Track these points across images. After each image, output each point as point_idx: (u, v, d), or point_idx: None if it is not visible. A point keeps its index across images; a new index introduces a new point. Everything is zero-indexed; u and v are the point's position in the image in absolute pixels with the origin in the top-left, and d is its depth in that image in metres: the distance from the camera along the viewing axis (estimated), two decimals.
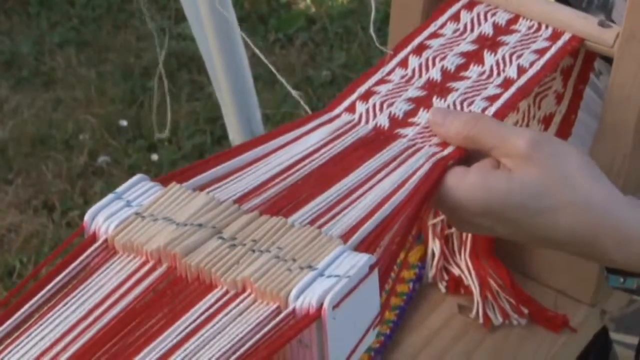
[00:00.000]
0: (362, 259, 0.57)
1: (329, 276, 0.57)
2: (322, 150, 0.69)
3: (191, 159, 1.98)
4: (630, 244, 0.65)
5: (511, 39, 0.76)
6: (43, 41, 2.26)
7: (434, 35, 0.77)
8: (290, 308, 0.56)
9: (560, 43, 0.76)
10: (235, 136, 1.75)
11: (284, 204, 0.63)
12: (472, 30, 0.77)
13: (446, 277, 0.83)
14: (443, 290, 0.83)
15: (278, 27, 2.29)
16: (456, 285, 0.83)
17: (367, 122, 0.71)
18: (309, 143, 0.69)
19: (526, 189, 0.64)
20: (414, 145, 0.69)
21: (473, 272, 0.82)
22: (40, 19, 2.33)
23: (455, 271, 0.83)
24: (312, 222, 0.61)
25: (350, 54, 2.21)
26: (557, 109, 0.81)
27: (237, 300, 0.57)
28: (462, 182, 0.65)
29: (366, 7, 2.36)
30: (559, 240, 0.65)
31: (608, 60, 0.76)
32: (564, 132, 0.81)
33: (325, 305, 0.55)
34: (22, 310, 0.58)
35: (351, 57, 2.20)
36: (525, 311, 0.81)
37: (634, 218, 0.65)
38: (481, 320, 0.80)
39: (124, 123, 2.05)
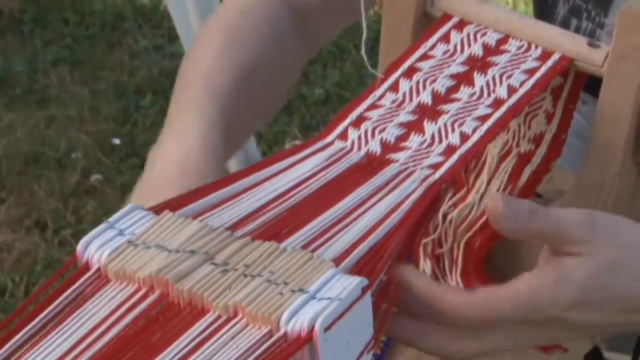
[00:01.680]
0: (354, 282, 0.57)
1: (321, 299, 0.57)
2: (316, 177, 0.69)
3: None
4: None
5: (501, 59, 0.77)
6: (37, 59, 2.27)
7: (424, 57, 0.78)
8: (281, 332, 0.56)
9: (550, 63, 0.76)
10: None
11: (277, 229, 0.63)
12: (462, 51, 0.78)
13: None
14: None
15: None
16: None
17: (359, 149, 0.72)
18: (302, 170, 0.69)
19: (603, 267, 0.63)
20: (406, 169, 0.69)
21: None
22: (34, 38, 2.34)
23: None
24: (304, 247, 0.61)
25: (344, 72, 2.22)
26: (548, 128, 0.81)
27: (229, 325, 0.57)
28: (538, 284, 0.62)
29: (360, 25, 2.37)
30: None
31: (590, 90, 0.77)
32: (554, 151, 0.81)
33: (317, 327, 0.55)
34: (15, 339, 0.58)
35: (345, 75, 2.21)
36: None
37: None
38: None
39: (117, 141, 2.06)
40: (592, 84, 0.76)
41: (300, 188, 0.68)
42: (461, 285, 0.82)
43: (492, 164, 0.80)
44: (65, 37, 2.33)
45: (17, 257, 1.81)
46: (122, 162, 2.00)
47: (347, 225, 0.64)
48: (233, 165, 1.78)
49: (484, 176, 0.80)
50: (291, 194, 0.67)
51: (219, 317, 0.57)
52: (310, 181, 0.68)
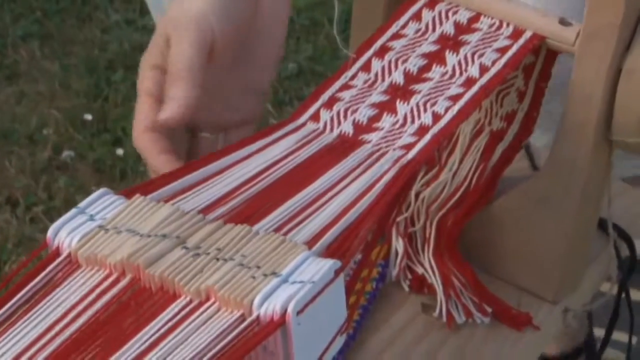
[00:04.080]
0: (327, 264, 0.57)
1: (293, 282, 0.56)
2: (287, 159, 0.69)
3: None
4: None
5: (473, 37, 0.76)
6: (6, 34, 2.24)
7: (396, 36, 0.77)
8: (254, 315, 0.56)
9: (521, 41, 0.76)
10: None
11: (249, 212, 0.63)
12: (433, 29, 0.77)
13: (410, 276, 0.83)
14: (406, 289, 0.83)
15: None
16: (420, 284, 0.83)
17: (331, 130, 0.71)
18: (273, 153, 0.69)
19: None
20: (378, 150, 0.69)
21: (436, 271, 0.82)
22: (3, 12, 2.31)
23: (419, 270, 0.83)
24: (277, 230, 0.61)
25: (317, 46, 2.21)
26: (520, 106, 0.81)
27: (201, 309, 0.57)
28: None
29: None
30: None
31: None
32: (526, 129, 0.82)
33: (289, 311, 0.55)
34: None
35: (318, 49, 2.20)
36: (489, 310, 0.81)
37: None
38: (444, 319, 0.80)
39: (89, 117, 2.04)
40: None
41: (271, 170, 0.67)
42: (434, 264, 0.83)
43: (465, 142, 0.80)
44: (35, 11, 2.30)
45: None
46: (94, 137, 1.99)
47: (319, 208, 0.63)
48: None
49: (457, 154, 0.80)
50: (263, 176, 0.67)
51: (190, 301, 0.57)
52: (282, 163, 0.68)
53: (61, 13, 2.31)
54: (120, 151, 1.96)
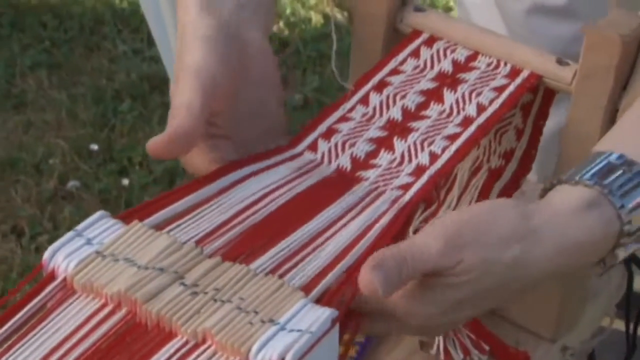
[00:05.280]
0: (324, 314, 0.57)
1: (291, 330, 0.56)
2: (285, 188, 0.68)
3: (162, 183, 1.97)
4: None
5: (470, 76, 0.77)
6: (14, 63, 2.25)
7: (395, 71, 0.78)
8: None
9: (519, 80, 0.76)
10: None
11: (245, 247, 0.63)
12: (432, 67, 0.78)
13: None
14: None
15: None
16: None
17: (329, 162, 0.71)
18: (270, 180, 0.69)
19: (474, 287, 0.62)
20: (376, 189, 0.69)
21: None
22: (11, 41, 2.32)
23: None
24: (274, 270, 0.61)
25: (324, 77, 2.22)
26: (518, 144, 0.81)
27: (197, 352, 0.56)
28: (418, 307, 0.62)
29: (340, 30, 2.37)
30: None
31: None
32: (524, 166, 0.82)
33: None
34: None
35: (324, 81, 2.20)
36: (487, 347, 0.80)
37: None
38: (442, 356, 0.80)
39: (95, 147, 2.04)
40: None
41: (268, 199, 0.67)
42: None
43: (463, 179, 0.80)
44: (44, 40, 2.31)
45: None
46: (100, 168, 1.99)
47: (316, 249, 0.63)
48: None
49: (455, 191, 0.80)
50: (259, 205, 0.66)
51: (186, 342, 0.57)
52: (280, 192, 0.68)
53: (69, 43, 2.32)
54: (125, 181, 1.96)
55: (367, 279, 0.58)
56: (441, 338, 0.81)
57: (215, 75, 0.67)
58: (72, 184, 1.96)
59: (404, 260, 0.59)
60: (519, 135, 0.81)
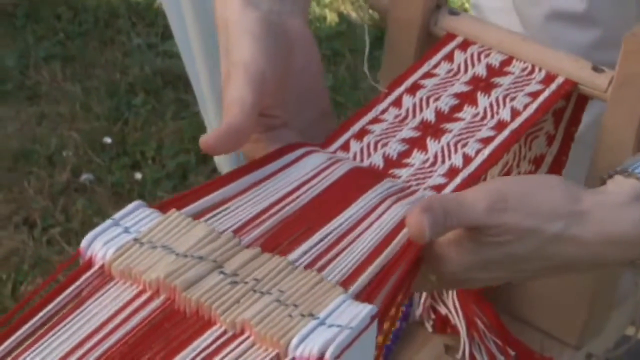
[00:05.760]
0: (364, 310, 0.57)
1: (331, 325, 0.56)
2: (320, 177, 0.68)
3: (175, 178, 1.97)
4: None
5: (505, 80, 0.77)
6: (28, 55, 2.25)
7: (428, 74, 0.78)
8: (290, 356, 0.55)
9: (553, 86, 0.76)
10: (220, 156, 1.75)
11: (283, 237, 0.63)
12: (465, 71, 0.78)
13: (433, 316, 0.83)
14: (430, 329, 0.83)
15: None
16: (443, 324, 0.83)
17: (361, 160, 0.71)
18: (305, 169, 0.69)
19: (516, 247, 0.65)
20: (408, 187, 0.69)
21: (460, 312, 0.81)
22: (26, 33, 2.32)
23: (443, 310, 0.83)
24: (312, 263, 0.61)
25: (338, 76, 2.21)
26: (549, 150, 0.81)
27: (236, 342, 0.56)
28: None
29: (354, 29, 2.36)
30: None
31: None
32: (554, 172, 0.81)
33: (328, 356, 0.54)
34: (14, 337, 0.57)
35: (338, 80, 2.20)
36: (512, 353, 0.80)
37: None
38: None
39: (108, 140, 2.04)
40: None
41: (304, 189, 0.67)
42: (458, 305, 0.82)
43: None
44: (58, 32, 2.31)
45: (4, 255, 1.79)
46: (113, 161, 1.99)
47: (351, 242, 0.63)
48: (224, 162, 1.77)
49: None
50: (295, 194, 0.66)
51: (225, 331, 0.57)
52: (314, 181, 0.67)
53: (84, 35, 2.32)
54: (138, 175, 1.96)
55: (417, 220, 0.62)
56: (467, 342, 0.81)
57: (265, 71, 0.68)
58: (85, 176, 1.96)
59: (451, 209, 0.63)
60: (550, 141, 0.81)
